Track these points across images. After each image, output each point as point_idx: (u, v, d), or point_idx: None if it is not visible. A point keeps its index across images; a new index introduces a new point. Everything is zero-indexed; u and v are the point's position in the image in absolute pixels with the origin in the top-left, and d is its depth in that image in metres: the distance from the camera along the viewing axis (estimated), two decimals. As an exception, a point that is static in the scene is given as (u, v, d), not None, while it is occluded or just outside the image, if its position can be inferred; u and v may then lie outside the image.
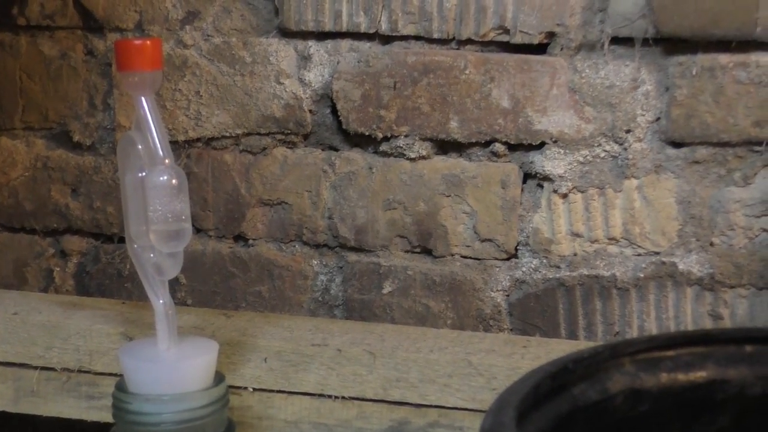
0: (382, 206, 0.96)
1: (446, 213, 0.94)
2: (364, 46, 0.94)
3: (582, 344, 0.90)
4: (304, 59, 0.96)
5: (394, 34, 0.93)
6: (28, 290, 1.06)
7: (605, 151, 0.91)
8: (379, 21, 0.93)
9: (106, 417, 0.85)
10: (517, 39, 0.91)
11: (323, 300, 0.99)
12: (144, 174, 0.73)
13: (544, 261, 0.93)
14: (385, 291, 0.97)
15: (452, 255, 0.95)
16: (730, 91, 0.87)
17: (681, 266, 0.90)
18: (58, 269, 1.06)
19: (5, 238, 1.07)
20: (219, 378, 0.76)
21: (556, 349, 0.86)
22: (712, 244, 0.90)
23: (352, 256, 0.98)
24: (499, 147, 0.93)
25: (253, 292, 1.01)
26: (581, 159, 0.91)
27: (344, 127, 0.96)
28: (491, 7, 0.90)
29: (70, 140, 1.03)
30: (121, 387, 0.75)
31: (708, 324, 0.90)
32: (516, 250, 0.94)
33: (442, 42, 0.93)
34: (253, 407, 0.86)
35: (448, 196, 0.94)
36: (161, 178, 0.72)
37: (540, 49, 0.91)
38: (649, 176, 0.90)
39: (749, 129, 0.87)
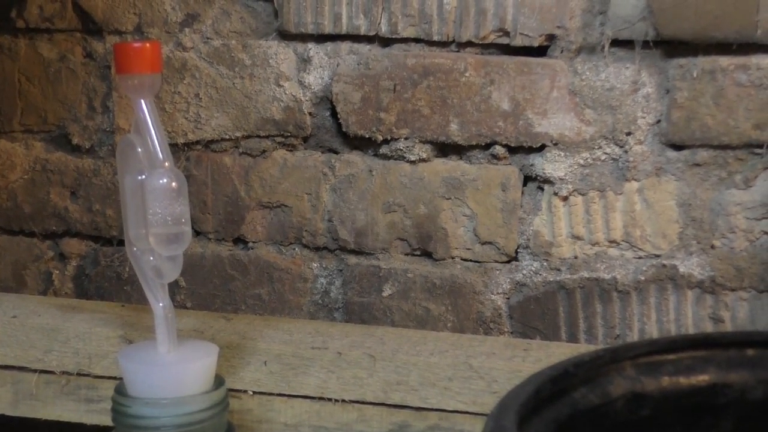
0: (381, 209, 0.96)
1: (446, 216, 0.94)
2: (364, 48, 0.94)
3: (583, 347, 0.90)
4: (304, 62, 0.96)
5: (393, 37, 0.93)
6: (27, 293, 1.06)
7: (606, 153, 0.90)
8: (379, 23, 0.93)
9: (106, 420, 0.85)
10: (517, 41, 0.91)
11: (323, 303, 0.99)
12: (143, 177, 0.73)
13: (545, 264, 0.93)
14: (385, 294, 0.97)
15: (452, 258, 0.95)
16: (731, 93, 0.87)
17: (682, 269, 0.90)
18: (57, 272, 1.06)
19: (4, 240, 1.07)
20: (219, 381, 0.76)
21: (557, 352, 0.85)
22: (712, 247, 0.90)
23: (352, 259, 0.98)
24: (499, 149, 0.92)
25: (253, 295, 1.00)
26: (582, 161, 0.91)
27: (344, 129, 0.95)
28: (491, 9, 0.90)
29: (69, 143, 1.03)
30: (120, 390, 0.74)
31: (709, 327, 0.90)
32: (516, 252, 0.94)
33: (442, 44, 0.93)
34: (253, 410, 0.86)
35: (448, 199, 0.94)
36: (161, 181, 0.72)
37: (540, 51, 0.91)
38: (649, 179, 0.90)
39: (750, 131, 0.87)
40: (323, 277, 0.99)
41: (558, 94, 0.90)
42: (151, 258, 0.75)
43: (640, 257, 0.91)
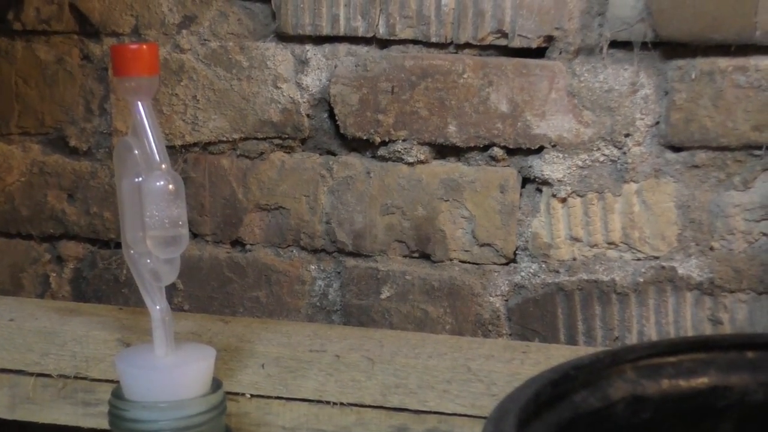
0: (380, 211, 0.95)
1: (444, 218, 0.94)
2: (362, 50, 0.94)
3: (582, 350, 0.90)
4: (302, 63, 0.96)
5: (391, 38, 0.93)
6: (24, 296, 1.05)
7: (604, 155, 0.90)
8: (377, 25, 0.93)
9: (103, 424, 0.84)
10: (516, 43, 0.90)
11: (321, 305, 0.99)
12: (141, 179, 0.72)
13: (543, 266, 0.93)
14: (383, 296, 0.97)
15: (451, 260, 0.95)
16: (730, 95, 0.86)
17: (680, 271, 0.90)
18: (54, 275, 1.05)
19: (1, 243, 1.06)
20: (216, 384, 0.75)
21: (556, 354, 0.85)
22: (711, 249, 0.89)
23: (350, 261, 0.97)
24: (497, 151, 0.92)
25: (251, 298, 1.00)
26: (580, 163, 0.91)
27: (342, 131, 0.95)
28: (489, 10, 0.90)
29: (67, 145, 1.02)
30: (117, 394, 0.74)
31: (708, 329, 0.90)
32: (515, 254, 0.94)
33: (440, 46, 0.92)
34: (251, 414, 0.86)
35: (446, 201, 0.94)
36: (158, 184, 0.72)
37: (538, 53, 0.91)
38: (648, 180, 0.90)
39: (749, 133, 0.87)
40: (321, 280, 0.99)
41: (556, 96, 0.90)
42: (149, 261, 0.74)
43: (638, 259, 0.91)
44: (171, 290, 1.01)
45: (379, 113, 0.94)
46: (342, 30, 0.94)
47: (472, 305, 0.95)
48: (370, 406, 0.84)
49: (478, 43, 0.91)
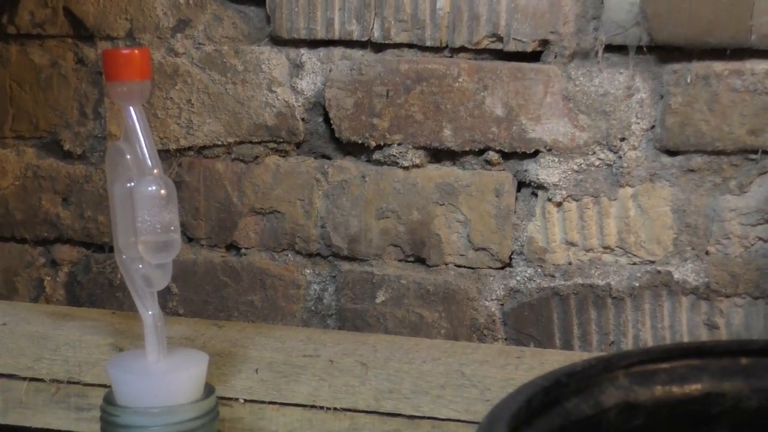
0: (375, 215, 0.95)
1: (440, 222, 0.94)
2: (357, 53, 0.94)
3: (576, 354, 0.89)
4: (296, 67, 0.95)
5: (386, 42, 0.93)
6: (18, 300, 1.05)
7: (600, 159, 0.90)
8: (372, 29, 0.92)
9: (96, 428, 0.84)
10: (511, 47, 0.90)
11: (316, 309, 0.98)
12: (132, 184, 0.72)
13: (539, 270, 0.93)
14: (378, 300, 0.96)
15: (446, 264, 0.95)
16: (725, 99, 0.86)
17: (676, 275, 0.90)
18: (48, 279, 1.05)
19: (-5, 247, 1.07)
20: (209, 390, 0.75)
21: (551, 359, 0.85)
22: (707, 253, 0.89)
23: (345, 266, 0.97)
24: (492, 155, 0.92)
25: (246, 302, 1.00)
26: (576, 167, 0.90)
27: (337, 135, 0.95)
28: (484, 14, 0.90)
29: (61, 149, 1.02)
30: (109, 399, 0.74)
31: (704, 333, 0.90)
32: (510, 259, 0.94)
33: (435, 50, 0.92)
34: (245, 419, 0.85)
35: (441, 205, 0.93)
36: (150, 189, 0.71)
37: (534, 56, 0.90)
38: (644, 184, 0.89)
39: (744, 137, 0.86)
40: (316, 284, 0.98)
41: (552, 100, 0.90)
42: (141, 266, 0.74)
43: (634, 263, 0.91)
44: (166, 294, 1.00)
45: (374, 117, 0.93)
46: (337, 34, 0.93)
47: (467, 310, 0.94)
48: (363, 411, 0.83)
49: (473, 47, 0.91)
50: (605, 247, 0.91)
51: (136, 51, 0.72)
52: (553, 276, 0.92)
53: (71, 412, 0.88)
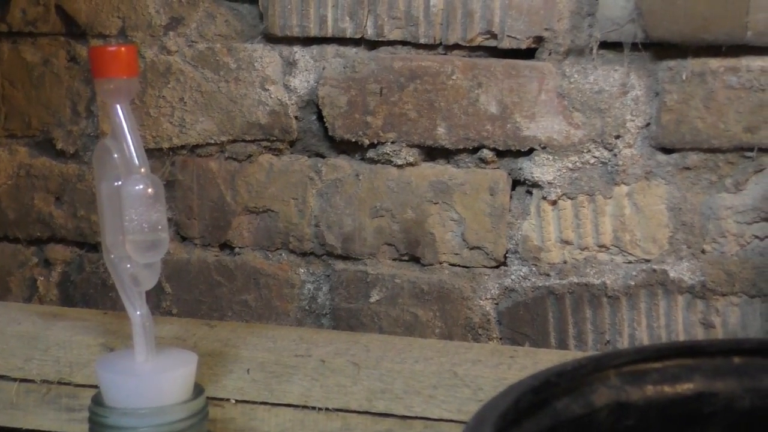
0: (369, 214, 0.95)
1: (434, 220, 0.93)
2: (350, 51, 0.93)
3: (570, 354, 0.89)
4: (290, 65, 0.95)
5: (380, 40, 0.92)
6: (11, 300, 1.05)
7: (595, 157, 0.89)
8: (365, 26, 0.92)
9: (86, 429, 0.84)
10: (505, 44, 0.89)
11: (310, 309, 0.98)
12: (120, 183, 0.72)
13: (534, 269, 0.92)
14: (372, 299, 0.96)
15: (440, 263, 0.94)
16: (721, 96, 0.85)
17: (672, 274, 0.89)
18: (41, 278, 1.05)
19: (-12, 247, 1.06)
20: (198, 390, 0.75)
21: (544, 359, 0.84)
22: (703, 252, 0.88)
23: (339, 265, 0.96)
24: (487, 153, 0.91)
25: (240, 301, 0.99)
26: (570, 165, 0.90)
27: (330, 133, 0.94)
28: (478, 11, 0.89)
29: (54, 148, 1.02)
30: (97, 400, 0.73)
31: (699, 332, 0.89)
32: (505, 257, 0.93)
33: (429, 47, 0.91)
34: (236, 419, 0.85)
35: (435, 204, 0.93)
36: (137, 188, 0.71)
37: (528, 54, 0.90)
38: (639, 183, 0.89)
39: (740, 135, 0.86)
40: (310, 283, 0.98)
41: (546, 97, 0.89)
42: (129, 266, 0.74)
43: (630, 262, 0.90)
44: (159, 294, 1.00)
45: (367, 115, 0.93)
46: (330, 31, 0.93)
47: (462, 309, 0.94)
48: (355, 412, 0.83)
49: (467, 44, 0.90)
50: (600, 246, 0.90)
51: (123, 48, 0.71)
52: (548, 275, 0.92)
53: (62, 413, 0.88)
